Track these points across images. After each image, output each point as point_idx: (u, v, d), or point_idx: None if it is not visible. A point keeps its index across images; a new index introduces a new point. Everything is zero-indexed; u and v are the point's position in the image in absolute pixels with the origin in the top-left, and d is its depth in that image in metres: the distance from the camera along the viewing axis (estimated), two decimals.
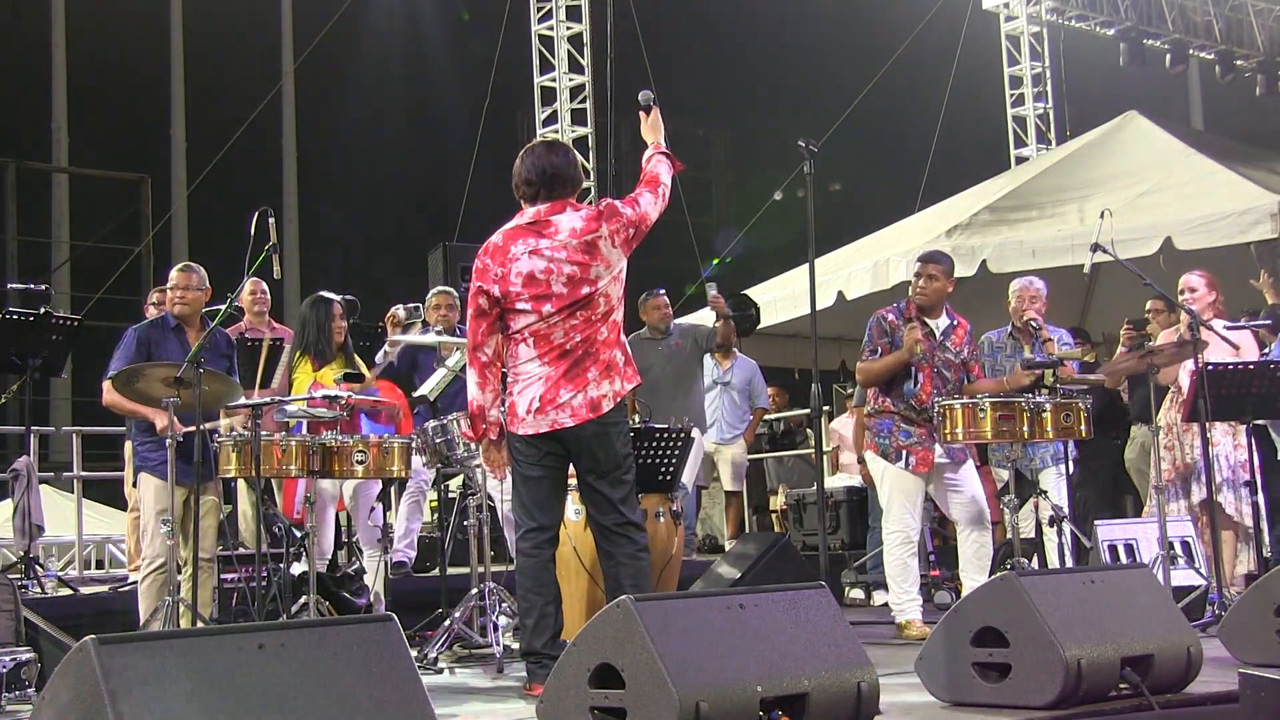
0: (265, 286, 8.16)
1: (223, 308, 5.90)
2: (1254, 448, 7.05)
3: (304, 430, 5.93)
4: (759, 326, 11.37)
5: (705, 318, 11.58)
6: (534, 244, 4.73)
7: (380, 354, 7.36)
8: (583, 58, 14.87)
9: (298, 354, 6.89)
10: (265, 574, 6.00)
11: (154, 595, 5.78)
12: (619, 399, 4.77)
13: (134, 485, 6.35)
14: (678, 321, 9.03)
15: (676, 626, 3.45)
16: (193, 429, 5.56)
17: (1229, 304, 7.61)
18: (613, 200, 4.92)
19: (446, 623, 5.88)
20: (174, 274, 6.20)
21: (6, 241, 16.05)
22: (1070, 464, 7.01)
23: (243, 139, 16.16)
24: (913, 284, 6.46)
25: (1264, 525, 6.67)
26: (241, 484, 6.73)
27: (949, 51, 18.08)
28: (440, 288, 7.99)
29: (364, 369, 6.90)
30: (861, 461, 7.68)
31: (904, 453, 6.24)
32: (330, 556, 7.01)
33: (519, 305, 4.72)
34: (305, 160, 21.00)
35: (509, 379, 4.81)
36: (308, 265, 19.96)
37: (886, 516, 6.33)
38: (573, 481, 4.99)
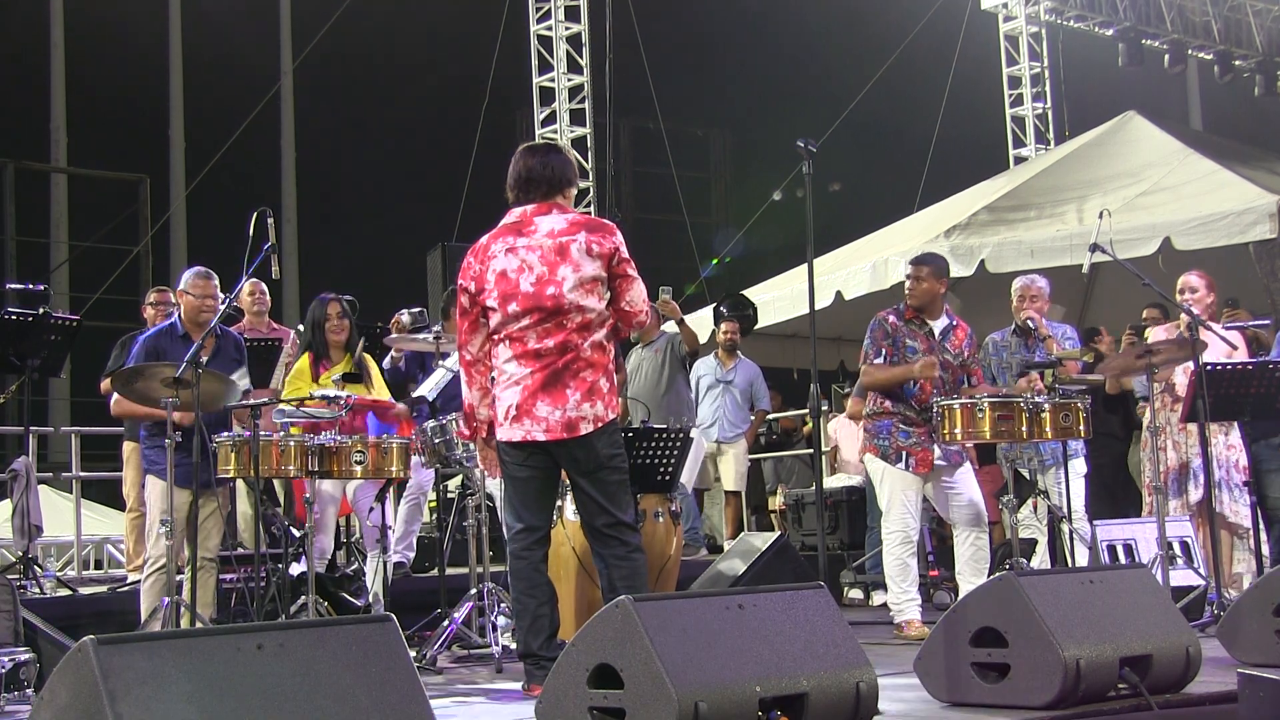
0: (265, 287, 8.13)
1: (222, 307, 5.89)
2: (1248, 448, 7.07)
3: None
4: (757, 326, 11.39)
5: (705, 319, 11.59)
6: (512, 242, 4.75)
7: (388, 359, 7.37)
8: (581, 58, 14.87)
9: (305, 353, 6.87)
10: (264, 574, 5.99)
11: (156, 595, 5.78)
12: (599, 425, 4.68)
13: (141, 486, 6.32)
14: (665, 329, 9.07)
15: (675, 626, 3.45)
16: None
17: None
18: (617, 238, 4.77)
19: (445, 623, 5.88)
20: (197, 280, 6.05)
21: (5, 242, 16.08)
22: (1084, 461, 7.02)
23: (242, 139, 16.17)
24: (905, 285, 6.49)
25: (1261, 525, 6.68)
26: (240, 484, 6.71)
27: (948, 51, 18.09)
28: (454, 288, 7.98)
29: (374, 369, 6.88)
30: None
31: (903, 453, 6.25)
32: (330, 556, 7.01)
33: (489, 303, 4.74)
34: (304, 160, 21.00)
35: (494, 378, 4.81)
36: (307, 265, 19.97)
37: (886, 516, 6.33)
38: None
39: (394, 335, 7.34)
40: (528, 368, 4.68)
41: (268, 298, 8.19)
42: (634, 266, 4.79)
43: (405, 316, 8.22)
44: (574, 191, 4.96)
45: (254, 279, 7.49)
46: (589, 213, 13.40)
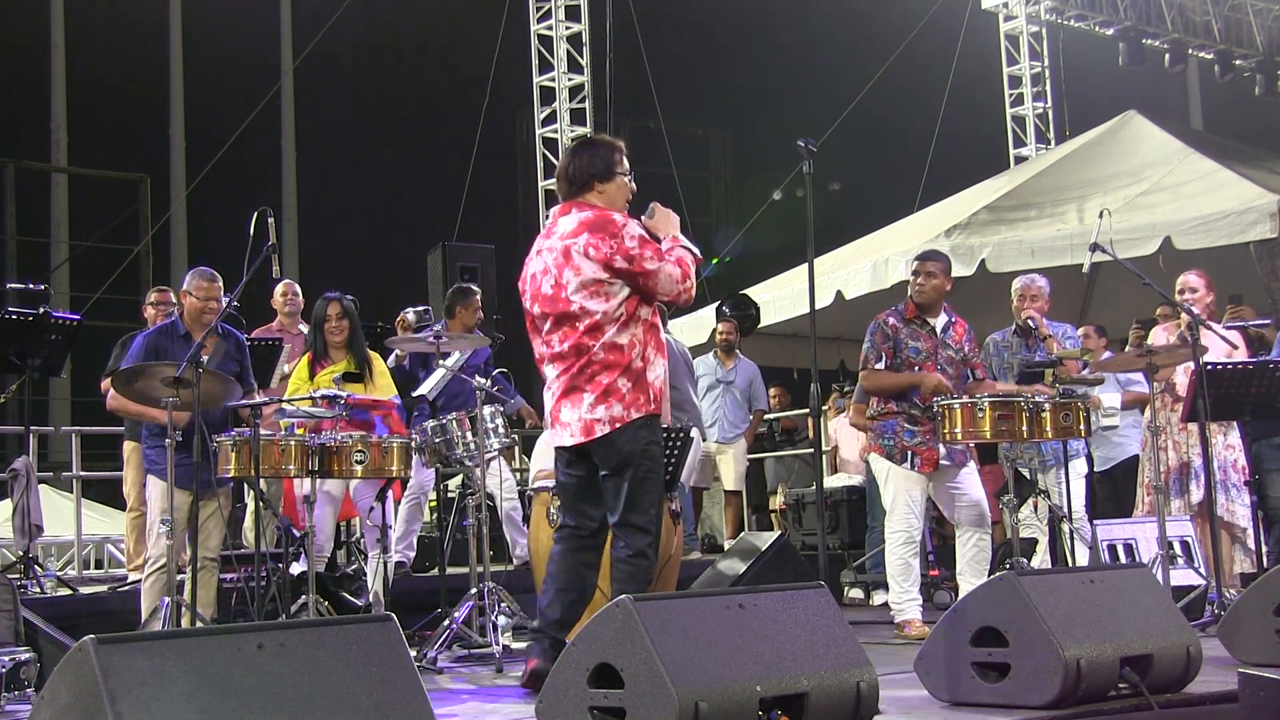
0: (298, 289, 8.07)
1: (223, 307, 5.89)
2: (1248, 448, 7.06)
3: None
4: (758, 326, 11.38)
5: (705, 318, 11.58)
6: (542, 243, 4.81)
7: (391, 358, 7.36)
8: (582, 57, 14.87)
9: (306, 353, 6.88)
10: (265, 574, 5.99)
11: (156, 595, 5.78)
12: (617, 425, 4.61)
13: (142, 486, 6.32)
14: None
15: (675, 626, 3.45)
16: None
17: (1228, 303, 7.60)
18: (618, 240, 4.61)
19: (446, 622, 5.88)
20: (200, 282, 6.03)
21: (6, 241, 16.08)
22: (1084, 461, 7.01)
23: (242, 139, 16.16)
24: (911, 283, 6.48)
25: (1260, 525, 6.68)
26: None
27: (948, 51, 18.09)
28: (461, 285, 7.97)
29: (380, 367, 6.86)
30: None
31: (909, 453, 6.24)
32: (329, 555, 7.00)
33: (524, 304, 4.83)
34: (305, 160, 21.01)
35: None
36: (307, 265, 19.97)
37: (890, 516, 6.33)
38: None
39: (395, 336, 7.34)
40: (555, 370, 4.73)
41: (300, 299, 8.06)
42: (651, 256, 4.61)
43: (410, 315, 8.22)
44: (611, 184, 4.75)
45: (287, 280, 7.49)
46: None
